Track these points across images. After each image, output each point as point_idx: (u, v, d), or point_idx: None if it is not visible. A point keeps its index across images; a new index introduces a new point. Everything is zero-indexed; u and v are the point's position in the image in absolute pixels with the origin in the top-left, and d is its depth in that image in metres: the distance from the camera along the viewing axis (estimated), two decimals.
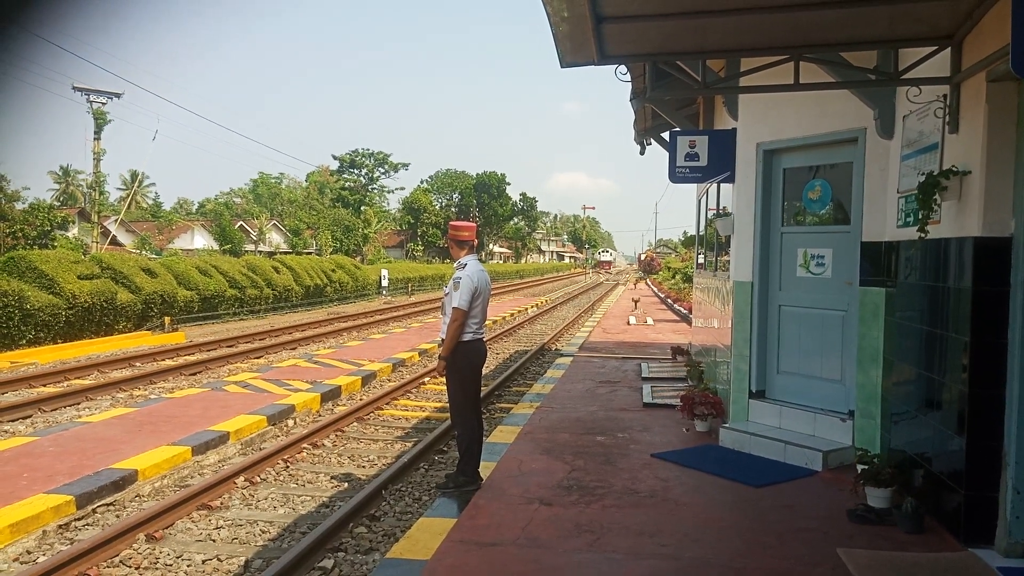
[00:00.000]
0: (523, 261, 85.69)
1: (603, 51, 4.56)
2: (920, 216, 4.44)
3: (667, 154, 7.79)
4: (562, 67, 4.72)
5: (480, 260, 5.67)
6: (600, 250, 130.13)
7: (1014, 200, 4.02)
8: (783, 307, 6.57)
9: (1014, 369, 4.02)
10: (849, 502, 4.87)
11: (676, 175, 7.46)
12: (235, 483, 6.44)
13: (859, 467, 5.01)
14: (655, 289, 37.23)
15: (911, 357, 4.96)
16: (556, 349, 15.56)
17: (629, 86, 8.37)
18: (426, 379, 11.63)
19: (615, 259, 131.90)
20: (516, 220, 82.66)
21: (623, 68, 5.15)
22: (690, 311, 17.02)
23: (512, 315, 23.70)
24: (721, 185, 7.98)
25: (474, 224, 6.01)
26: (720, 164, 7.27)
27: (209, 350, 15.20)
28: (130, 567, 4.84)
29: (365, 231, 55.03)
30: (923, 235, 4.46)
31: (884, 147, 5.54)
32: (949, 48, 4.46)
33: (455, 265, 5.56)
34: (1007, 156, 4.05)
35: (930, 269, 4.69)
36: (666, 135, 9.48)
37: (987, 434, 4.07)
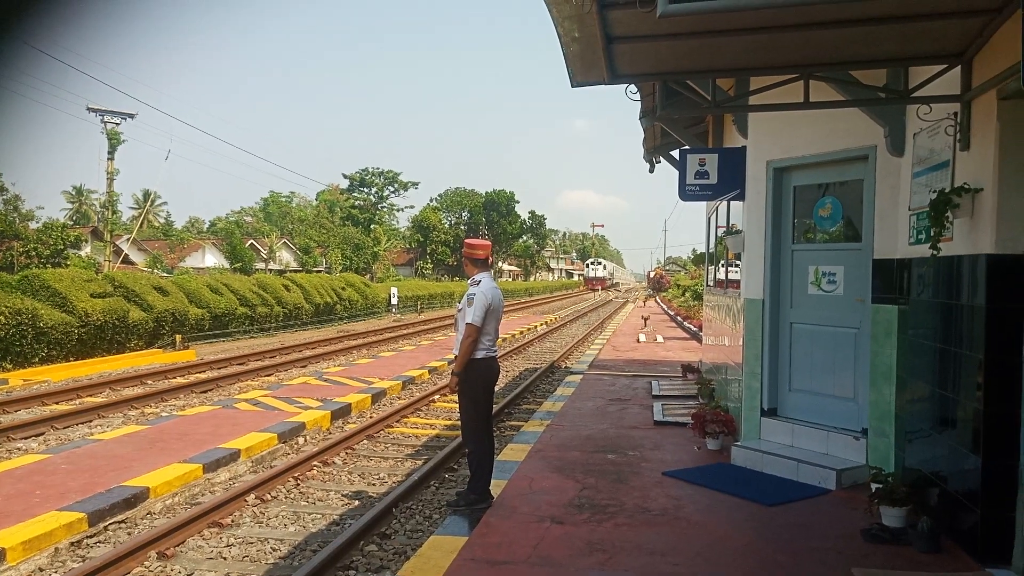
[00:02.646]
0: (532, 279, 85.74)
1: (614, 71, 4.61)
2: (932, 233, 4.44)
3: (676, 172, 7.82)
4: (573, 87, 4.78)
5: (493, 277, 5.69)
6: (589, 261, 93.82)
7: None
8: (794, 324, 6.55)
9: None
10: (863, 521, 4.83)
11: (686, 193, 7.48)
12: (246, 501, 6.43)
13: (873, 486, 4.97)
14: (664, 307, 37.14)
15: (925, 375, 4.93)
16: (566, 367, 15.53)
17: (639, 104, 8.44)
18: (436, 397, 11.62)
19: (612, 274, 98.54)
20: (525, 238, 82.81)
21: (633, 87, 5.20)
22: (700, 329, 16.97)
23: (522, 332, 23.68)
24: (731, 203, 7.99)
25: (488, 243, 6.04)
26: (730, 182, 7.29)
27: (220, 368, 15.25)
28: None
29: (375, 249, 55.28)
30: (935, 252, 4.45)
31: (895, 164, 5.54)
32: (959, 66, 4.48)
33: (469, 282, 5.58)
34: (1019, 173, 4.05)
35: (943, 286, 4.68)
36: (676, 153, 9.53)
37: (1003, 453, 4.03)
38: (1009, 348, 4.03)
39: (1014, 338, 4.03)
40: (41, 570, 5.04)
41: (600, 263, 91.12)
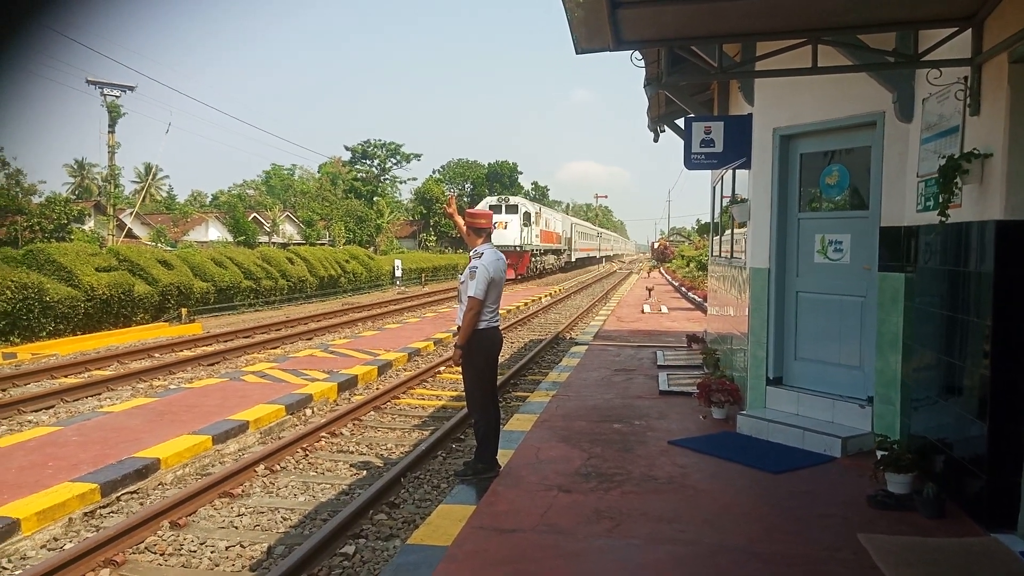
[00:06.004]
0: None
1: (618, 37, 4.54)
2: (940, 200, 4.40)
3: (681, 141, 7.75)
4: (577, 53, 4.69)
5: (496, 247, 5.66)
6: (488, 203, 39.86)
7: None
8: (800, 293, 6.54)
9: None
10: (869, 488, 4.85)
11: (692, 161, 7.42)
12: (256, 471, 6.50)
13: (879, 453, 4.99)
14: (669, 277, 37.11)
15: (931, 342, 4.93)
16: (571, 338, 15.56)
17: (642, 73, 8.33)
18: (442, 368, 11.68)
19: (568, 238, 52.46)
20: None
21: (638, 54, 5.13)
22: (705, 299, 16.96)
23: (526, 304, 23.70)
24: (737, 171, 7.93)
25: (491, 212, 6.01)
26: (736, 150, 7.23)
27: (226, 341, 15.32)
28: (155, 553, 4.92)
29: (378, 222, 55.12)
30: (944, 219, 4.41)
31: (903, 131, 5.48)
32: (970, 29, 4.40)
33: (471, 254, 5.56)
34: None
35: (951, 253, 4.65)
36: (680, 122, 9.42)
37: (1010, 418, 4.04)
38: (1017, 315, 4.02)
39: (1021, 304, 4.01)
40: (56, 539, 5.11)
41: (516, 207, 39.13)
